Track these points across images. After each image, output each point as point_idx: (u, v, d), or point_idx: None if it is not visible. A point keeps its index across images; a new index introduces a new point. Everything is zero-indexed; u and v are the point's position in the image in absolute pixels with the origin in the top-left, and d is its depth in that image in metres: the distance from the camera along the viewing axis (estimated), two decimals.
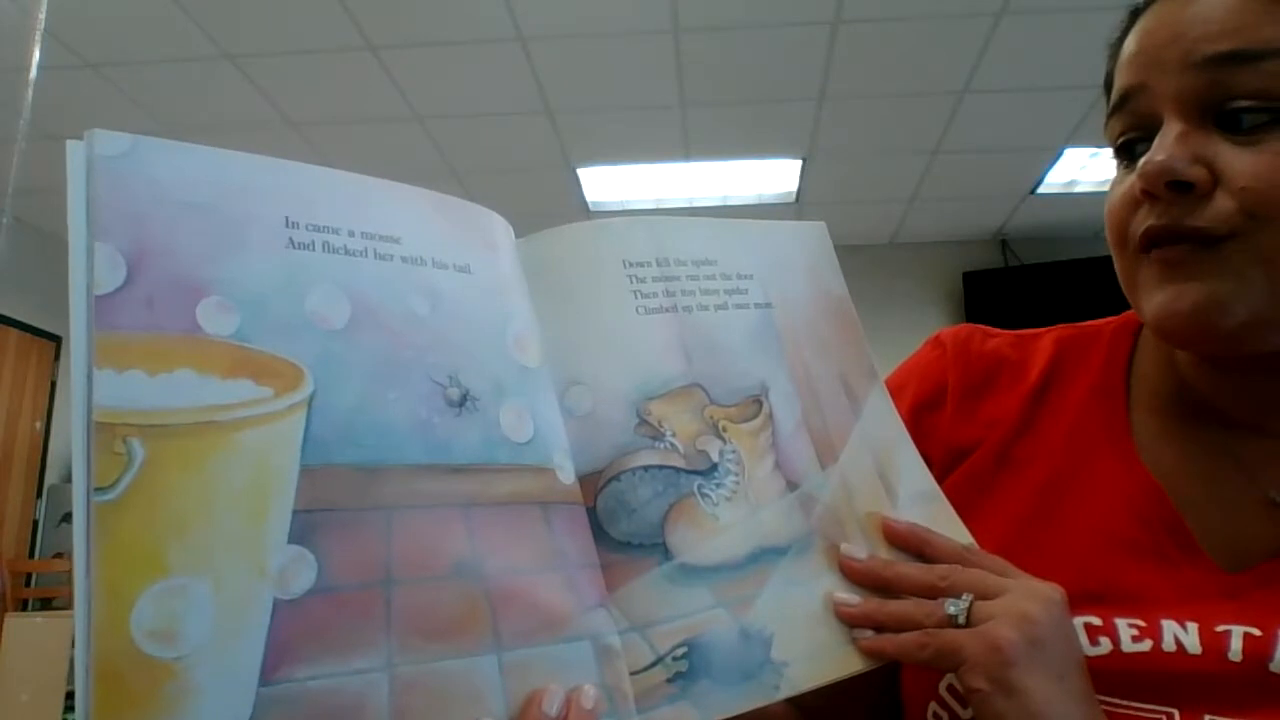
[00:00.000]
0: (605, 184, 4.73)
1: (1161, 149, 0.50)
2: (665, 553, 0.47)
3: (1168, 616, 0.51)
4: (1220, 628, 0.50)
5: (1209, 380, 0.56)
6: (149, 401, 0.35)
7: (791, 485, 0.53)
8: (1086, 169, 4.55)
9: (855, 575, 0.51)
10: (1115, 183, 0.56)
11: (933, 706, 0.56)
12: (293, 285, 0.40)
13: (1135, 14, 0.56)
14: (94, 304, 0.36)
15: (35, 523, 5.25)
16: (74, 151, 0.38)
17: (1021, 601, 0.47)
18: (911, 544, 0.53)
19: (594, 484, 0.47)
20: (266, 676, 0.34)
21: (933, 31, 3.33)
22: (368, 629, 0.37)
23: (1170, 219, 0.51)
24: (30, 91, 2.76)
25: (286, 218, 0.41)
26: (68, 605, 4.76)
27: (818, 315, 0.58)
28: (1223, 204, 0.49)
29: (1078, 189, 4.80)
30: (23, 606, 4.68)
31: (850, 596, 0.51)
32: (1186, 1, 0.52)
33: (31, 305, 5.10)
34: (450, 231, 0.47)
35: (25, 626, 4.30)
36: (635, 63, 3.55)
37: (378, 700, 0.36)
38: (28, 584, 5.00)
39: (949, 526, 0.55)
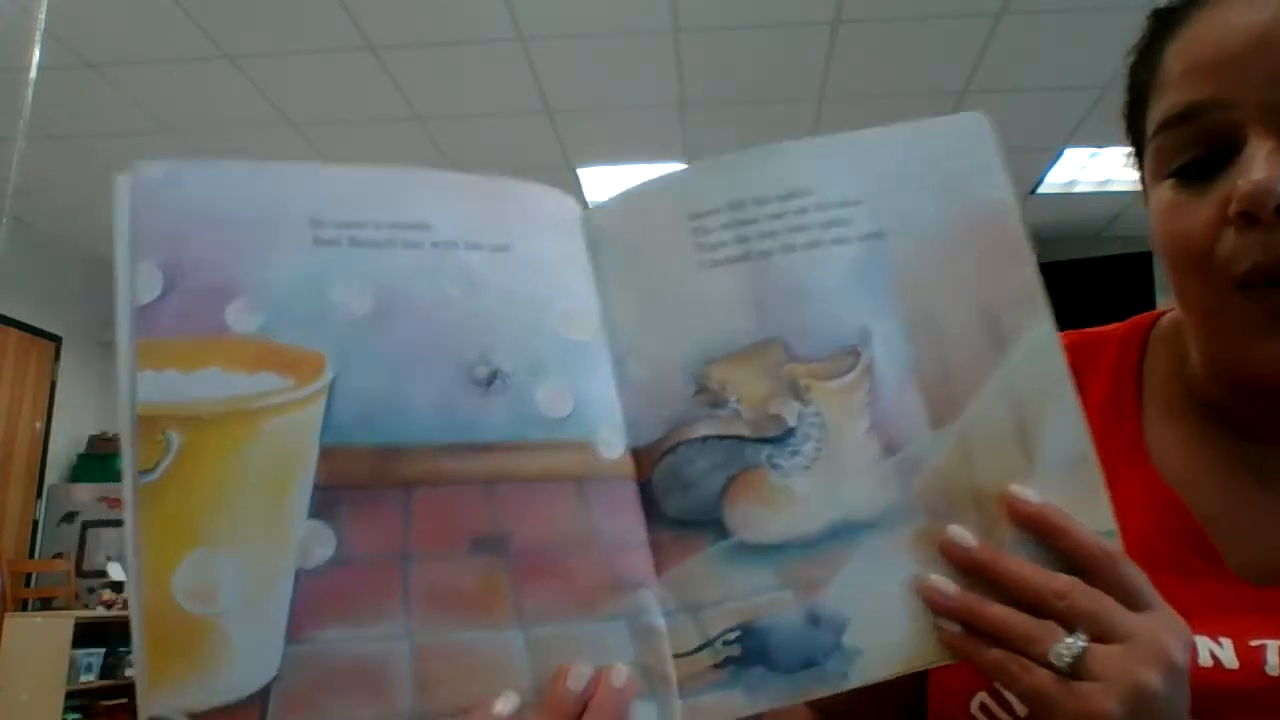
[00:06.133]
0: (605, 184, 4.73)
1: (1260, 168, 0.46)
2: (720, 530, 0.44)
3: (1199, 631, 0.49)
4: (1254, 642, 0.49)
5: (1232, 397, 0.55)
6: (184, 396, 0.40)
7: (890, 450, 0.45)
8: (1086, 169, 4.55)
9: (957, 559, 0.44)
10: (1175, 204, 0.51)
11: None
12: (317, 281, 0.43)
13: (1166, 20, 0.53)
14: (136, 314, 0.40)
15: (35, 523, 5.25)
16: (120, 184, 0.42)
17: (1139, 666, 0.40)
18: (1041, 528, 0.44)
19: (651, 458, 0.44)
20: (292, 635, 0.39)
21: (933, 31, 3.33)
22: (385, 599, 0.40)
23: None
24: (30, 91, 2.76)
25: (312, 218, 0.44)
26: (68, 605, 4.77)
27: (956, 235, 0.48)
28: None
29: (1078, 189, 4.80)
30: (23, 606, 4.69)
31: (947, 583, 0.43)
32: (1257, 5, 0.47)
33: (31, 305, 5.11)
34: (490, 213, 0.47)
35: (25, 626, 4.30)
36: (635, 63, 3.55)
37: (400, 663, 0.40)
38: (28, 584, 5.01)
39: (1091, 502, 0.45)
